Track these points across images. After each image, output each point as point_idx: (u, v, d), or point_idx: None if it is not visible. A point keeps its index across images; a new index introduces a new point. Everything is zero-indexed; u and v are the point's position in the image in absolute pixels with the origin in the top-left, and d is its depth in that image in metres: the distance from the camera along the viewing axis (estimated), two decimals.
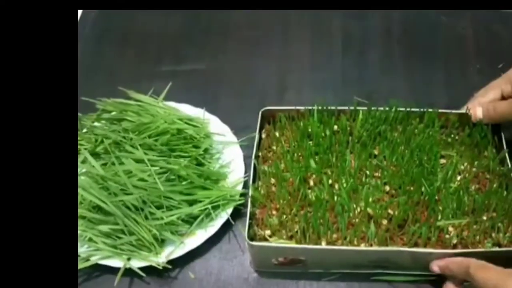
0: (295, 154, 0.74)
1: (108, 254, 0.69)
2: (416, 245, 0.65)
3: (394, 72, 0.91)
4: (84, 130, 0.77)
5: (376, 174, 0.72)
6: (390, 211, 0.67)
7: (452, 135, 0.76)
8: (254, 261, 0.69)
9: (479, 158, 0.73)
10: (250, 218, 0.66)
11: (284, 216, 0.67)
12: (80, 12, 1.05)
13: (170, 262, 0.68)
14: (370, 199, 0.67)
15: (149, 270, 0.68)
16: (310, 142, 0.74)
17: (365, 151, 0.73)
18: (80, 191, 0.69)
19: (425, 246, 0.64)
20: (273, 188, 0.71)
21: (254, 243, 0.64)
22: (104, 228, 0.69)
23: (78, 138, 0.76)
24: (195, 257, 0.71)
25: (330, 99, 0.79)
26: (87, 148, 0.75)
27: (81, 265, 0.68)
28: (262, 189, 0.70)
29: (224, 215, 0.71)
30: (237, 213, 0.73)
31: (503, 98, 0.74)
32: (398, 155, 0.72)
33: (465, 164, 0.73)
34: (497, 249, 0.64)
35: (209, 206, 0.71)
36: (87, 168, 0.71)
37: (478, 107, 0.73)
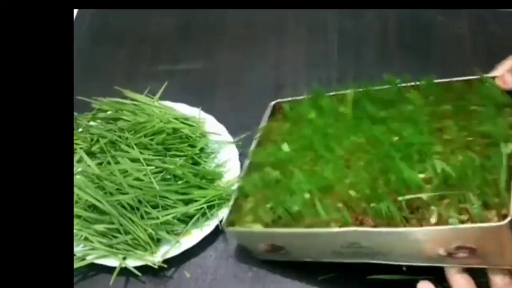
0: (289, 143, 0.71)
1: (103, 254, 0.69)
2: (389, 225, 0.58)
3: (390, 71, 0.91)
4: (80, 130, 0.77)
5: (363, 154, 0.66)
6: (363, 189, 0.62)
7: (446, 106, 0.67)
8: (242, 249, 0.70)
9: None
10: (234, 207, 0.67)
11: (261, 203, 0.67)
12: (75, 11, 1.05)
13: (165, 261, 0.68)
14: (349, 181, 0.62)
15: (145, 269, 0.68)
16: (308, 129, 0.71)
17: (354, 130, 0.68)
18: (75, 190, 0.69)
19: (402, 225, 0.57)
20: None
21: (227, 228, 0.66)
22: (100, 227, 0.69)
23: (74, 138, 0.76)
24: (191, 256, 0.71)
25: None
26: (83, 147, 0.75)
27: (76, 264, 0.68)
28: (254, 179, 0.69)
29: (219, 215, 0.71)
30: None
31: None
32: (385, 132, 0.65)
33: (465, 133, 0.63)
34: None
35: (205, 205, 0.71)
36: (83, 167, 0.71)
37: (509, 73, 0.66)
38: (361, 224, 0.60)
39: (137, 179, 0.70)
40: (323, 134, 0.69)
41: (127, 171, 0.70)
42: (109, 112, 0.79)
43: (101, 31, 1.02)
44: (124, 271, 0.68)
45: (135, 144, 0.73)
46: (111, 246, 0.69)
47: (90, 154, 0.74)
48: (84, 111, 0.79)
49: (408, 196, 0.58)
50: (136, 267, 0.67)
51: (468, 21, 0.97)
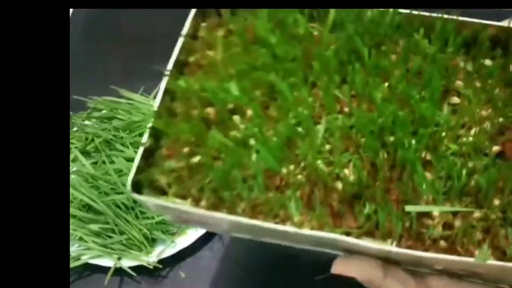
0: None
1: (98, 253, 0.68)
2: (370, 234, 0.39)
3: None
4: (75, 129, 0.77)
5: (345, 109, 0.43)
6: (346, 170, 0.41)
7: (481, 61, 0.47)
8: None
9: None
10: (146, 157, 0.43)
11: (185, 162, 0.42)
12: (71, 10, 1.05)
13: (160, 261, 0.68)
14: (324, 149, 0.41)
15: (140, 269, 0.68)
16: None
17: (331, 74, 0.44)
18: (70, 189, 0.68)
19: (387, 236, 0.39)
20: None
21: (134, 194, 0.41)
22: (95, 227, 0.69)
23: None
24: (186, 256, 0.71)
25: None
26: (78, 146, 0.74)
27: (71, 264, 0.68)
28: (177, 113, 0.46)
29: None
30: None
31: None
32: (376, 86, 0.43)
33: (489, 110, 0.43)
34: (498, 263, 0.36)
35: None
36: (78, 167, 0.71)
37: None
38: (341, 220, 0.40)
39: None
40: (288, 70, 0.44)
41: (122, 171, 0.70)
42: (104, 111, 0.79)
43: (96, 30, 1.02)
44: (119, 271, 0.67)
45: (130, 143, 0.73)
46: (105, 246, 0.68)
47: (85, 153, 0.74)
48: (79, 111, 0.79)
49: (420, 208, 0.39)
50: (131, 267, 0.67)
51: None
